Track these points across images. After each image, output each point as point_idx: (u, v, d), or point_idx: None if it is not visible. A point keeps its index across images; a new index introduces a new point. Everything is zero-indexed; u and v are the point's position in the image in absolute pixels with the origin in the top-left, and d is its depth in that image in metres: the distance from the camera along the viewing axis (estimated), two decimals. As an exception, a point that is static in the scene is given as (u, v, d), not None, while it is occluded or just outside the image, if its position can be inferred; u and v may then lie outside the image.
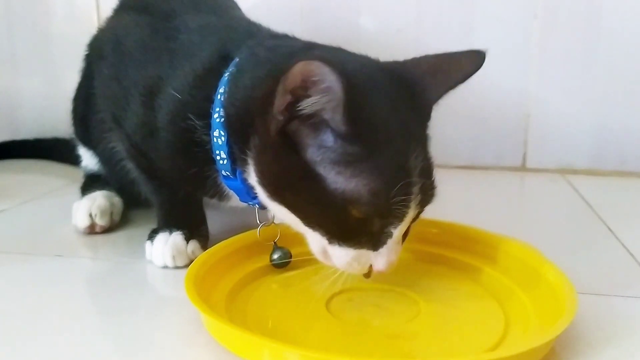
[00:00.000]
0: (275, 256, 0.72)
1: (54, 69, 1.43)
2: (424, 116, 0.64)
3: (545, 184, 1.22)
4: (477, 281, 0.70)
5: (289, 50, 0.66)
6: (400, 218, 0.58)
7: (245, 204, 0.72)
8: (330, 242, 0.60)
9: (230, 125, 0.65)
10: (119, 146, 0.80)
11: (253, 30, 0.76)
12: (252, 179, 0.63)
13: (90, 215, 0.87)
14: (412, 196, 0.58)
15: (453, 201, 1.08)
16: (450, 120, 1.29)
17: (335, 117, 0.56)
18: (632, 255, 0.81)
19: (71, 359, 0.56)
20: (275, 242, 0.73)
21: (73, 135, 1.01)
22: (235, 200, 0.73)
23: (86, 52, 0.95)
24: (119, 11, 0.89)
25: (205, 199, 0.81)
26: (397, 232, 0.59)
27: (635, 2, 1.19)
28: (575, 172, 1.26)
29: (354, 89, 0.55)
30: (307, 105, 0.56)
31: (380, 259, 0.60)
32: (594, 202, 1.04)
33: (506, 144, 1.29)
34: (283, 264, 0.72)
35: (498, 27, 1.23)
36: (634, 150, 1.25)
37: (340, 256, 0.60)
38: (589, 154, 1.26)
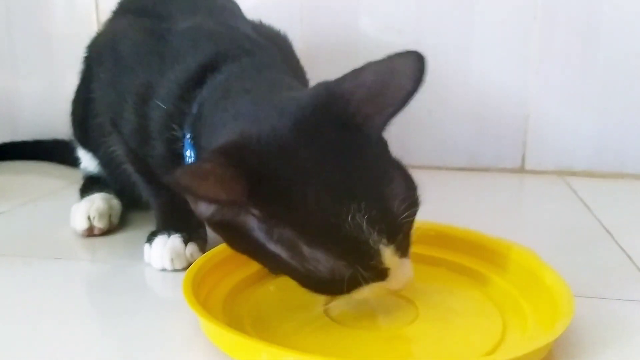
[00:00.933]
0: None
1: (53, 70, 1.43)
2: (366, 145, 0.58)
3: (544, 185, 1.22)
4: (475, 284, 0.70)
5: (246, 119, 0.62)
6: (379, 262, 0.56)
7: None
8: None
9: (197, 150, 0.66)
10: (118, 150, 0.80)
11: (244, 43, 0.74)
12: None
13: (89, 218, 0.87)
14: (373, 247, 0.55)
15: (451, 202, 1.09)
16: (449, 122, 1.29)
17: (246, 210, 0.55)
18: (630, 258, 0.81)
19: (69, 361, 0.56)
20: None
21: (72, 137, 1.01)
22: None
23: (85, 55, 0.95)
24: (117, 14, 0.89)
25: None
26: (391, 264, 0.57)
27: (634, 3, 1.19)
28: (574, 173, 1.26)
29: (258, 174, 0.54)
30: (201, 210, 0.56)
31: (394, 282, 0.58)
32: (592, 204, 1.04)
33: (505, 145, 1.28)
34: None
35: (497, 28, 1.23)
36: (633, 152, 1.25)
37: (356, 295, 0.59)
38: (588, 156, 1.26)
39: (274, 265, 0.59)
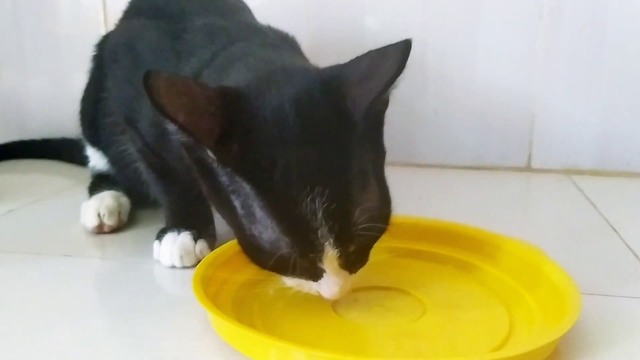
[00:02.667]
0: None
1: (61, 69, 1.44)
2: (353, 137, 0.57)
3: (550, 184, 1.22)
4: (482, 281, 0.70)
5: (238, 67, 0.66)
6: (318, 258, 0.56)
7: None
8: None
9: None
10: (131, 148, 0.81)
11: (255, 35, 0.76)
12: None
13: (99, 215, 0.87)
14: (320, 240, 0.55)
15: (458, 201, 1.09)
16: (456, 121, 1.29)
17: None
18: (636, 255, 0.81)
19: (80, 358, 0.57)
20: None
21: (81, 136, 1.02)
22: None
23: (94, 53, 0.96)
24: (129, 14, 0.90)
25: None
26: (328, 268, 0.57)
27: (640, 3, 1.20)
28: (580, 172, 1.26)
29: (231, 114, 0.54)
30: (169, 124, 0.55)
31: (324, 288, 0.58)
32: (598, 202, 1.05)
33: (511, 144, 1.29)
34: None
35: (503, 28, 1.24)
36: (639, 151, 1.25)
37: (285, 279, 0.61)
38: (594, 155, 1.26)
39: (229, 218, 0.59)
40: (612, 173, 1.25)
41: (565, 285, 0.62)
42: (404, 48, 0.57)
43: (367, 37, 1.27)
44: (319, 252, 0.55)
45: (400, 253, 0.76)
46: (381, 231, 0.59)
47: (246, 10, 0.91)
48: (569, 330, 0.54)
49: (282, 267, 0.58)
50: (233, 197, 0.57)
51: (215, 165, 0.57)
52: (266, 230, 0.56)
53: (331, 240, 0.55)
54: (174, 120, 0.53)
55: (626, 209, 1.04)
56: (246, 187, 0.56)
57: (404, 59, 0.56)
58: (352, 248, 0.57)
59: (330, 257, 0.56)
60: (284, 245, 0.55)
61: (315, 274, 0.58)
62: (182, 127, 0.53)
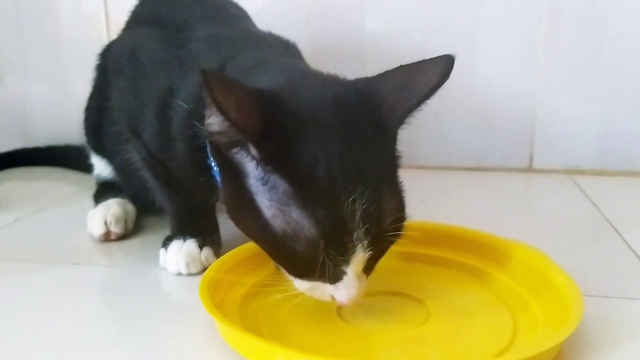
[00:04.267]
0: None
1: (64, 75, 1.44)
2: (385, 143, 0.60)
3: (552, 184, 1.22)
4: (485, 285, 0.71)
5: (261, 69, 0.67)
6: (345, 262, 0.56)
7: None
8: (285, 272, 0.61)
9: None
10: (135, 157, 0.81)
11: (261, 43, 0.77)
12: None
13: (106, 223, 0.88)
14: (354, 242, 0.55)
15: (460, 203, 1.10)
16: (457, 122, 1.30)
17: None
18: (637, 256, 0.82)
19: (89, 366, 0.58)
20: None
21: (85, 144, 1.03)
22: None
23: (97, 62, 0.96)
24: (132, 24, 0.91)
25: (219, 205, 0.82)
26: (351, 271, 0.57)
27: (640, 3, 1.20)
28: (581, 172, 1.26)
29: (273, 113, 0.54)
30: (215, 122, 0.56)
31: (340, 292, 0.58)
32: (600, 202, 1.05)
33: (513, 145, 1.29)
34: None
35: (504, 30, 1.24)
36: (640, 150, 1.26)
37: (298, 284, 0.60)
38: (596, 155, 1.27)
39: (252, 223, 0.58)
40: (613, 172, 1.26)
41: (568, 288, 0.62)
42: (447, 61, 0.59)
43: (367, 40, 1.28)
44: (350, 254, 0.55)
45: (405, 257, 0.77)
46: (400, 237, 0.60)
47: (247, 17, 0.92)
48: (572, 333, 0.55)
49: (306, 268, 0.57)
50: (260, 197, 0.56)
51: (247, 165, 0.57)
52: (300, 230, 0.55)
53: (365, 243, 0.55)
54: (227, 117, 0.53)
55: (628, 208, 1.05)
56: (283, 186, 0.55)
57: (447, 72, 0.58)
58: (376, 250, 0.57)
59: (359, 260, 0.56)
60: (318, 246, 0.55)
61: (335, 277, 0.57)
62: (234, 124, 0.53)
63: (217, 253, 0.79)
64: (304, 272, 0.58)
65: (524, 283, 0.69)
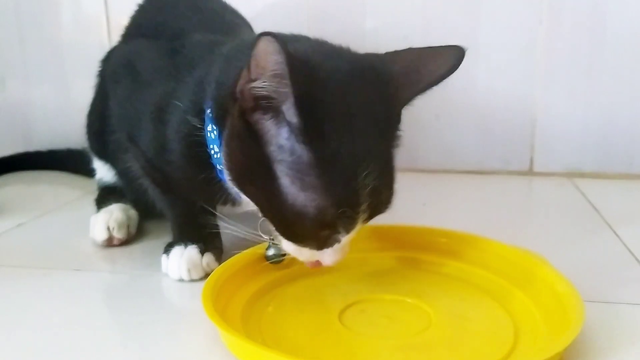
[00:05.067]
0: (269, 252, 0.74)
1: (65, 79, 1.45)
2: (392, 121, 0.63)
3: (552, 187, 1.23)
4: (486, 291, 0.71)
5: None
6: (346, 231, 0.60)
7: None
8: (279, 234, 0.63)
9: (215, 115, 0.66)
10: (135, 166, 0.82)
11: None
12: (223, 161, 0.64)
13: (108, 229, 0.89)
14: (360, 214, 0.59)
15: (461, 206, 1.10)
16: (457, 126, 1.30)
17: (288, 106, 0.55)
18: (638, 261, 0.82)
19: (91, 373, 0.58)
20: (271, 239, 0.73)
21: (88, 149, 1.03)
22: (247, 205, 0.75)
23: (99, 69, 0.97)
24: (129, 34, 0.92)
25: (219, 209, 0.83)
26: (344, 240, 0.62)
27: (640, 6, 1.20)
28: (582, 175, 1.26)
29: (316, 82, 0.56)
30: (260, 86, 0.56)
31: (326, 257, 0.63)
32: (600, 206, 1.05)
33: (513, 148, 1.30)
34: (277, 261, 0.74)
35: (504, 33, 1.24)
36: (640, 153, 1.26)
37: (287, 245, 0.64)
38: (596, 157, 1.27)
39: (261, 188, 0.60)
40: (614, 175, 1.26)
41: (569, 295, 0.63)
42: (458, 53, 0.61)
43: (368, 42, 1.27)
44: (353, 225, 0.60)
45: (406, 263, 0.77)
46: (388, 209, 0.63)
47: (245, 25, 0.92)
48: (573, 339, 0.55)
49: (306, 235, 0.61)
50: (279, 165, 0.58)
51: (271, 132, 0.58)
52: (314, 199, 0.57)
53: (365, 216, 0.60)
54: (284, 77, 0.53)
55: (628, 212, 1.05)
56: (308, 156, 0.57)
57: (457, 64, 0.61)
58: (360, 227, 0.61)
59: (355, 230, 0.60)
60: (327, 216, 0.58)
61: (327, 244, 0.62)
62: (290, 81, 0.53)
63: (219, 259, 0.79)
64: (301, 238, 0.62)
65: (524, 288, 0.69)
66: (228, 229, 0.74)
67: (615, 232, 0.92)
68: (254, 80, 0.56)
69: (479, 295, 0.71)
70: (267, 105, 0.57)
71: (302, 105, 0.55)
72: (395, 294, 0.70)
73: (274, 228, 0.63)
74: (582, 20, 1.22)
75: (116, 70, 0.84)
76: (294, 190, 0.58)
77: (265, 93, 0.56)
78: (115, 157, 0.93)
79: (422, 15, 1.26)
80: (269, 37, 0.52)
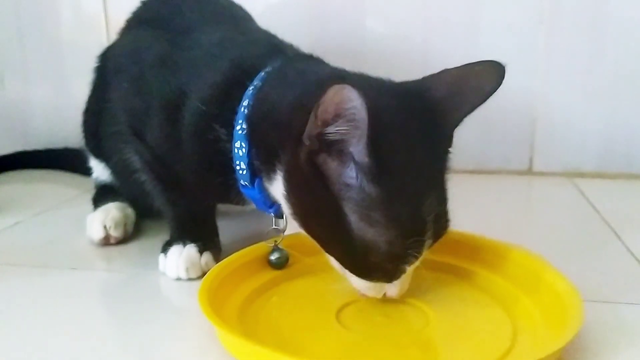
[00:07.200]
0: (273, 257, 0.74)
1: (64, 78, 1.44)
2: (445, 146, 0.63)
3: (552, 187, 1.22)
4: (485, 289, 0.71)
5: (319, 76, 0.66)
6: (413, 260, 0.61)
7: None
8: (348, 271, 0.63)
9: (253, 139, 0.66)
10: (134, 159, 0.81)
11: (276, 44, 0.77)
12: (278, 191, 0.64)
13: (105, 227, 0.88)
14: (426, 241, 0.60)
15: (460, 206, 1.08)
16: (457, 125, 1.30)
17: (359, 148, 0.55)
18: (638, 261, 0.81)
19: (88, 371, 0.58)
20: (276, 243, 0.74)
21: (85, 148, 1.03)
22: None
23: (97, 64, 0.96)
24: (132, 25, 0.90)
25: (219, 206, 0.82)
26: (410, 269, 0.62)
27: (640, 7, 1.20)
28: (582, 175, 1.26)
29: (380, 122, 0.55)
30: (333, 131, 0.56)
31: (394, 288, 0.63)
32: (600, 206, 1.05)
33: (513, 147, 1.29)
34: (280, 265, 0.74)
35: (504, 32, 1.24)
36: (640, 153, 1.25)
37: (358, 283, 0.63)
38: (596, 157, 1.27)
39: (330, 228, 0.60)
40: (614, 175, 1.26)
41: (568, 294, 0.62)
42: (499, 71, 0.61)
43: (368, 42, 1.28)
44: (420, 253, 0.60)
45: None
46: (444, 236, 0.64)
47: (249, 19, 0.91)
48: (572, 339, 0.55)
49: (375, 269, 0.60)
50: (347, 203, 0.58)
51: (335, 171, 0.58)
52: (384, 234, 0.57)
53: (430, 242, 0.60)
54: (355, 122, 0.54)
55: (628, 212, 1.05)
56: (375, 192, 0.57)
57: (500, 81, 0.61)
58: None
59: (420, 259, 0.61)
60: (399, 247, 0.58)
61: (395, 276, 0.62)
62: (368, 127, 0.53)
63: (217, 258, 0.78)
64: (372, 272, 0.61)
65: (523, 288, 0.69)
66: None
67: (615, 232, 0.92)
68: (323, 126, 0.56)
69: (477, 294, 0.71)
70: (335, 148, 0.57)
71: (373, 145, 0.55)
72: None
73: (341, 266, 0.63)
74: (583, 19, 1.21)
75: (120, 59, 0.83)
76: (363, 226, 0.58)
77: (336, 138, 0.56)
78: (111, 154, 0.92)
79: (423, 14, 1.26)
80: (340, 86, 0.52)
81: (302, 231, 0.64)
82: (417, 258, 0.60)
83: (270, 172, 0.65)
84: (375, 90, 0.61)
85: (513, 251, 0.73)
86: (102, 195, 0.98)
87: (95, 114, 0.95)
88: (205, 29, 0.79)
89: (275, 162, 0.63)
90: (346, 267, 0.62)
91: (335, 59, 0.70)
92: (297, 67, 0.69)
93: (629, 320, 0.66)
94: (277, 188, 0.64)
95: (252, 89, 0.68)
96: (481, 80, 0.62)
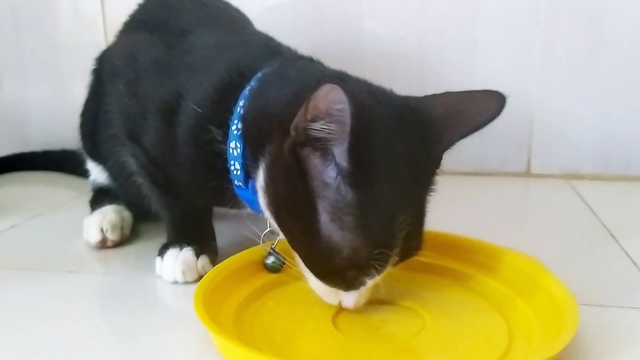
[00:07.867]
0: (268, 261, 0.74)
1: (61, 80, 1.45)
2: (431, 166, 0.63)
3: (549, 189, 1.22)
4: (481, 293, 0.71)
5: (318, 76, 0.66)
6: (375, 273, 0.59)
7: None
8: (309, 270, 0.62)
9: (246, 136, 0.66)
10: (130, 161, 0.81)
11: (273, 47, 0.77)
12: (259, 184, 0.64)
13: (102, 230, 0.88)
14: (391, 257, 0.59)
15: (457, 208, 1.09)
16: (455, 127, 1.30)
17: (341, 150, 0.55)
18: (635, 264, 0.81)
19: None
20: (272, 247, 0.74)
21: (82, 150, 1.02)
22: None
23: (94, 67, 0.96)
24: (129, 28, 0.90)
25: (216, 209, 0.82)
26: (369, 283, 0.61)
27: (637, 7, 1.20)
28: (579, 177, 1.26)
29: (368, 129, 0.55)
30: (319, 128, 0.55)
31: (350, 298, 0.63)
32: (598, 208, 1.05)
33: (510, 150, 1.29)
34: (275, 269, 0.74)
35: (501, 34, 1.24)
36: (638, 155, 1.25)
37: (315, 284, 0.64)
38: (594, 159, 1.27)
39: (299, 222, 0.60)
40: (612, 177, 1.26)
41: (563, 298, 0.62)
42: (499, 101, 0.61)
43: (365, 44, 1.28)
44: (383, 267, 0.59)
45: (400, 265, 0.77)
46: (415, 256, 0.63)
47: (247, 22, 0.91)
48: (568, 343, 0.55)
49: (335, 274, 0.60)
50: (321, 201, 0.57)
51: (318, 168, 0.57)
52: (350, 240, 0.57)
53: (396, 259, 0.60)
54: (341, 125, 0.54)
55: (626, 215, 1.05)
56: (351, 196, 0.56)
57: (498, 112, 0.61)
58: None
59: (382, 274, 0.60)
60: (363, 256, 0.58)
61: (355, 286, 0.61)
62: (350, 131, 0.53)
63: (214, 261, 0.78)
64: (331, 276, 0.61)
65: (519, 291, 0.68)
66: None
67: (612, 235, 0.92)
68: (311, 121, 0.56)
69: (473, 298, 0.71)
70: (320, 145, 0.57)
71: (355, 151, 0.55)
72: (388, 297, 0.69)
73: (303, 263, 0.63)
74: (580, 21, 1.21)
75: (117, 62, 0.82)
76: (333, 228, 0.58)
77: (321, 135, 0.56)
78: (108, 156, 0.91)
79: (419, 16, 1.26)
80: (333, 86, 0.52)
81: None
82: (378, 272, 0.59)
83: (255, 166, 0.65)
84: (370, 99, 0.61)
85: (509, 254, 0.73)
86: (99, 197, 0.98)
87: (92, 116, 0.94)
88: (202, 32, 0.79)
89: (260, 156, 0.63)
90: (307, 266, 0.62)
91: (333, 61, 0.71)
92: (296, 67, 0.69)
93: (625, 323, 0.66)
94: (259, 181, 0.64)
95: (249, 89, 0.68)
96: (480, 107, 0.62)
